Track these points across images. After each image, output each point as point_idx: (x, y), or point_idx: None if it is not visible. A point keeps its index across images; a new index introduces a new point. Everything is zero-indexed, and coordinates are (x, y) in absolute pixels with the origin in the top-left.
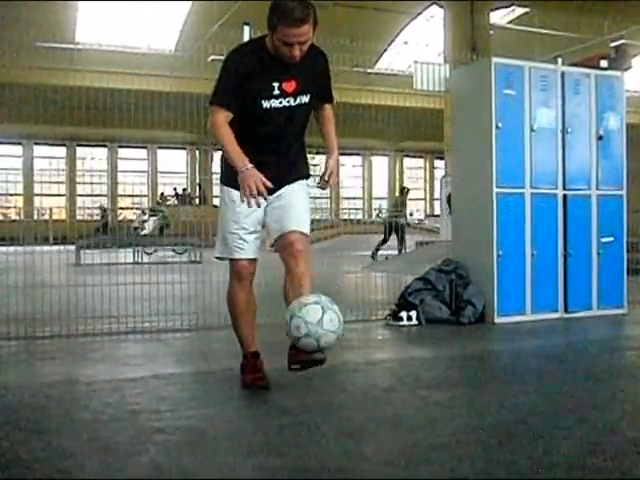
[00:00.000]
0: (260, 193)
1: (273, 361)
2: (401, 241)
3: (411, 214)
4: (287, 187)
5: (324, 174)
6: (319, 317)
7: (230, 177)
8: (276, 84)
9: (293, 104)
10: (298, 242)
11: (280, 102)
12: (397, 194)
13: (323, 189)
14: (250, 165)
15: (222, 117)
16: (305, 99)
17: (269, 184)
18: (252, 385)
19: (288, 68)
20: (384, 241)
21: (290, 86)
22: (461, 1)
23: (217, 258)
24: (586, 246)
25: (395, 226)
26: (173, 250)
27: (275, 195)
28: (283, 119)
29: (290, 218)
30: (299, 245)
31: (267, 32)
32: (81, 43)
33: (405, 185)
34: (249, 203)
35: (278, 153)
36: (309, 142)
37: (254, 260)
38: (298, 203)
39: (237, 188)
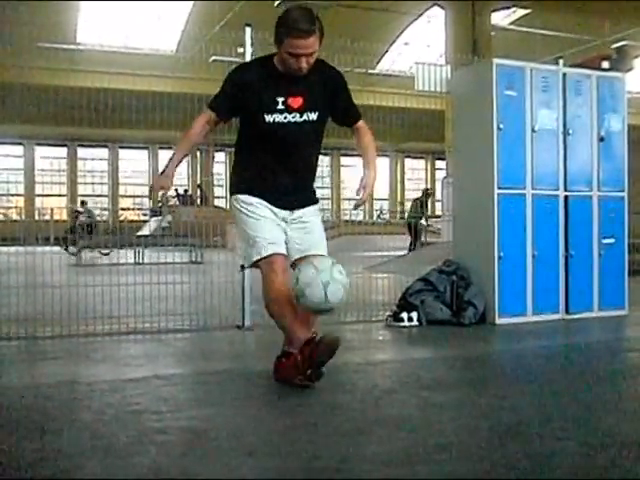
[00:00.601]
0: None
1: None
2: (415, 241)
3: (427, 219)
4: (306, 210)
5: (359, 188)
6: (329, 264)
7: (244, 184)
8: (280, 99)
9: (299, 120)
10: None
11: (285, 117)
12: (419, 195)
13: (357, 207)
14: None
15: (203, 120)
16: (313, 116)
17: (168, 183)
18: (310, 380)
19: (295, 84)
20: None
21: (296, 102)
22: (462, 1)
23: (249, 267)
24: (587, 247)
25: (415, 226)
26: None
27: (296, 215)
28: (290, 135)
29: (311, 243)
30: None
31: (268, 32)
32: (82, 44)
33: (428, 187)
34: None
35: (288, 170)
36: None
37: (285, 258)
38: (318, 229)
39: (253, 194)
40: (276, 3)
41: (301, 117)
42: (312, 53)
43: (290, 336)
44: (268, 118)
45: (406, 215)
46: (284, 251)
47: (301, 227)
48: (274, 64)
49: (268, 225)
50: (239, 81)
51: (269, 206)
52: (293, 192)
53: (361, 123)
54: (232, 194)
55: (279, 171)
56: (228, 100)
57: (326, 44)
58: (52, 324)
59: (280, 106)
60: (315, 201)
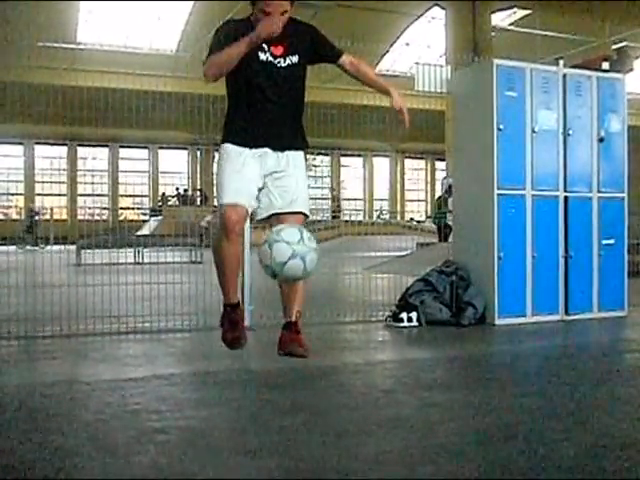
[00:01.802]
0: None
1: (273, 361)
2: (444, 241)
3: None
4: (289, 157)
5: (398, 112)
6: (299, 237)
7: (231, 133)
8: (265, 45)
9: (284, 64)
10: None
11: (272, 60)
12: (442, 193)
13: (402, 122)
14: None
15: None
16: (294, 59)
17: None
18: (230, 345)
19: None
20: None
21: (278, 50)
22: (463, 2)
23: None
24: (587, 248)
25: (443, 226)
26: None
27: (282, 164)
28: (278, 77)
29: (294, 198)
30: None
31: None
32: (83, 43)
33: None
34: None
35: (276, 110)
36: (309, 142)
37: (245, 210)
38: (301, 183)
39: (238, 144)
40: None
41: (284, 62)
42: (283, 13)
43: (224, 292)
44: (262, 56)
45: (432, 215)
46: (247, 202)
47: (282, 183)
48: (253, 24)
49: (241, 177)
50: (232, 27)
51: (251, 155)
52: (282, 134)
53: (349, 56)
54: (223, 142)
55: (266, 107)
56: (226, 45)
57: None
58: (51, 323)
59: (267, 50)
60: (302, 147)
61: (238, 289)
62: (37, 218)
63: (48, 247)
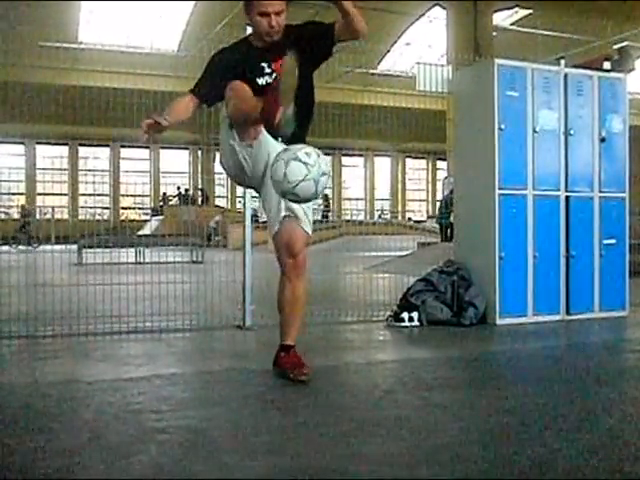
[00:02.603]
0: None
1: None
2: (449, 240)
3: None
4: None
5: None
6: (304, 167)
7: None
8: (265, 64)
9: None
10: (302, 248)
11: (271, 82)
12: (447, 193)
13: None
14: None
15: (187, 98)
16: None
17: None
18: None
19: (274, 51)
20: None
21: (278, 65)
22: (464, 2)
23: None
24: (588, 248)
25: (446, 227)
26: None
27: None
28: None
29: (300, 214)
30: (303, 254)
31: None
32: (84, 43)
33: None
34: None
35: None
36: (309, 142)
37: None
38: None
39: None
40: None
41: None
42: (280, 12)
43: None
44: (260, 81)
45: (435, 215)
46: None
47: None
48: (250, 42)
49: None
50: (225, 59)
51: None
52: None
53: (337, 23)
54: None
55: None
56: (216, 81)
57: None
58: (53, 323)
59: (267, 70)
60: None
61: (238, 286)
62: (37, 218)
63: (45, 247)
